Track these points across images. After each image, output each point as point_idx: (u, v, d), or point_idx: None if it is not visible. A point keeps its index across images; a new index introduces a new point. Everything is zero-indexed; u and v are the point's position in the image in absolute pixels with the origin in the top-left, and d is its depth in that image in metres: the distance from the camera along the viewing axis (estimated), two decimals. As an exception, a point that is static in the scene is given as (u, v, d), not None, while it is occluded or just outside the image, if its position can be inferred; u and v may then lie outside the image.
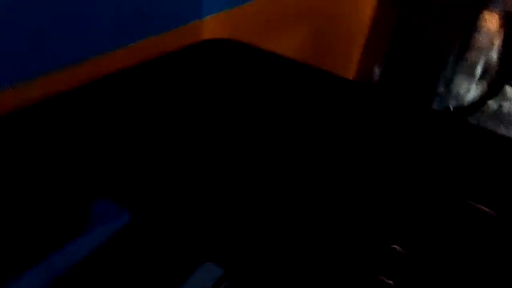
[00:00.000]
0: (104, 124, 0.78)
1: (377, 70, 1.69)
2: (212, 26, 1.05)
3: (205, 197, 0.66)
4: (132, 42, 0.92)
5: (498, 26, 1.62)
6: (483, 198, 0.67)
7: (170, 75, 0.93)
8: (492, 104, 1.76)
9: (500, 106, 1.77)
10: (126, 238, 0.61)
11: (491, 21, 1.62)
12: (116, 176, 0.69)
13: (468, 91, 1.72)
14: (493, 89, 1.73)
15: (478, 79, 1.71)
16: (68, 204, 0.65)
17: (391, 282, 0.53)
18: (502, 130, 1.72)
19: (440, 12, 1.56)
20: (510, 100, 1.78)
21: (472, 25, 1.60)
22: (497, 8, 1.61)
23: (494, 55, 1.69)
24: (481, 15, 1.60)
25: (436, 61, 1.62)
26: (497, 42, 1.65)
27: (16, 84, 0.76)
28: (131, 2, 0.90)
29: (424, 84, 1.65)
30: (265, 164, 0.72)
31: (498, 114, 1.76)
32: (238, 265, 0.57)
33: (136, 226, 0.62)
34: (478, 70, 1.70)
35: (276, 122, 0.82)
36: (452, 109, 1.70)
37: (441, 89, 1.66)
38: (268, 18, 1.22)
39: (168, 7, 0.97)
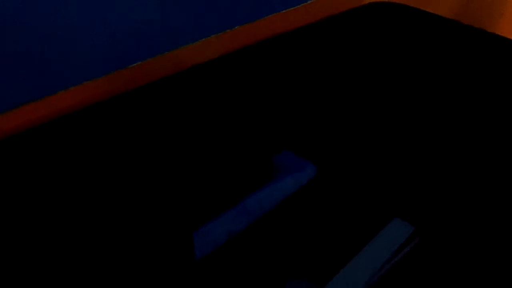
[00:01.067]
0: (279, 81, 0.81)
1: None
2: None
3: (389, 150, 0.67)
4: (295, 6, 0.95)
5: None
6: None
7: (335, 37, 0.94)
8: None
9: None
10: (313, 190, 0.64)
11: None
12: (297, 131, 0.72)
13: None
14: None
15: None
16: (257, 156, 0.68)
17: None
18: None
19: None
20: None
21: None
22: None
23: None
24: None
25: None
26: None
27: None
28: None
29: None
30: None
31: None
32: (429, 222, 0.58)
33: (322, 179, 0.65)
34: None
35: (436, 86, 0.81)
36: None
37: None
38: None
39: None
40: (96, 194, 0.58)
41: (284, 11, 0.94)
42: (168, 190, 0.61)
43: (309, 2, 0.97)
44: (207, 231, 0.57)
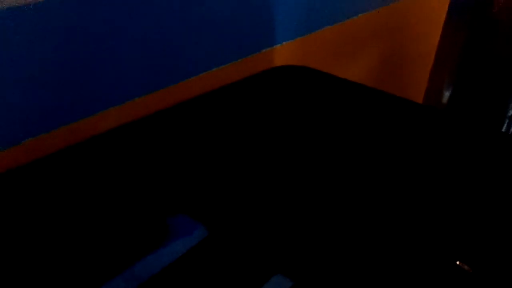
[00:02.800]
0: (179, 145, 0.84)
1: (446, 93, 1.69)
2: (283, 53, 1.10)
3: (277, 211, 0.70)
4: (210, 69, 0.99)
5: None
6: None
7: (246, 98, 0.98)
8: None
9: None
10: (202, 251, 0.65)
11: None
12: (192, 193, 0.74)
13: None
14: None
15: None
16: (148, 219, 0.70)
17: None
18: None
19: (509, 32, 1.55)
20: None
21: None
22: None
23: None
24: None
25: (506, 83, 1.61)
26: None
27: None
28: (213, 33, 0.96)
29: (494, 107, 1.64)
30: (335, 182, 0.75)
31: None
32: (307, 277, 0.60)
33: (211, 240, 0.66)
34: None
35: (345, 145, 0.85)
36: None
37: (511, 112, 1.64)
38: (337, 44, 1.26)
39: (244, 37, 1.03)
40: None
41: (198, 75, 0.98)
42: (56, 256, 0.62)
43: (221, 67, 1.02)
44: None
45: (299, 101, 0.99)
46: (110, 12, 0.80)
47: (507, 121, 1.66)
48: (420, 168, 0.79)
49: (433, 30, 1.61)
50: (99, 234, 0.67)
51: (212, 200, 0.73)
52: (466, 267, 0.60)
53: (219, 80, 1.00)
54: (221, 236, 0.67)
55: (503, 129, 1.66)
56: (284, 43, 1.10)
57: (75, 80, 0.79)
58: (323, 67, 1.08)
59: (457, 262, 0.60)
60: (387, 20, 1.39)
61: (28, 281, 0.60)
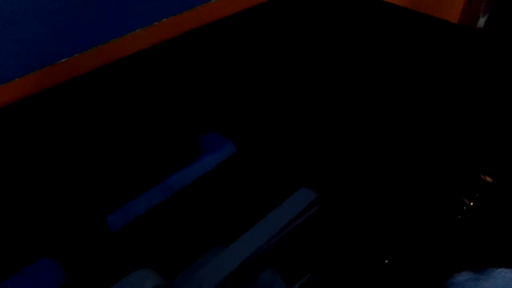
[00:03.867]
0: (209, 66, 0.85)
1: (482, 19, 1.65)
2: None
3: (302, 128, 0.72)
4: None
5: None
6: None
7: (266, 19, 0.99)
8: None
9: None
10: (231, 166, 0.68)
11: None
12: (222, 112, 0.76)
13: None
14: None
15: None
16: (182, 137, 0.73)
17: (471, 203, 0.57)
18: None
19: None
20: None
21: None
22: None
23: None
24: None
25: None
26: None
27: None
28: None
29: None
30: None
31: None
32: (332, 191, 0.62)
33: (240, 156, 0.69)
34: None
35: (379, 64, 0.86)
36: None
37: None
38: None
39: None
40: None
41: (204, 4, 0.98)
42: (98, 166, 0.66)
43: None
44: (128, 206, 0.62)
45: (324, 21, 0.99)
46: None
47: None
48: (455, 89, 0.80)
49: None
50: (137, 150, 0.70)
51: (241, 118, 0.75)
52: (488, 178, 0.61)
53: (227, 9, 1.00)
54: (249, 152, 0.69)
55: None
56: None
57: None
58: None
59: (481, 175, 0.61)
60: None
61: (74, 193, 0.64)
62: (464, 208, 0.57)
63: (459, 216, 0.57)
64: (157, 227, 0.60)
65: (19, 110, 0.75)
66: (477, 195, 0.59)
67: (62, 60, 0.79)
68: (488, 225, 0.57)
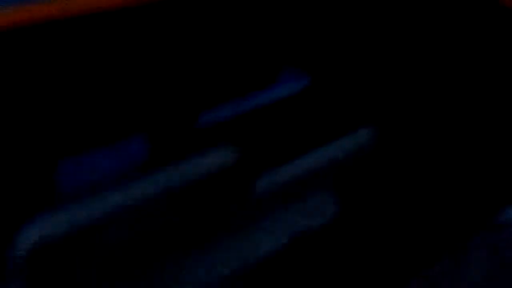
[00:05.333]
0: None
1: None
2: None
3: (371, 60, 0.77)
4: None
5: None
6: None
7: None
8: None
9: None
10: (304, 97, 0.76)
11: None
12: (297, 46, 0.82)
13: None
14: None
15: None
16: (259, 66, 0.80)
17: None
18: None
19: None
20: None
21: None
22: None
23: None
24: None
25: None
26: None
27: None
28: None
29: None
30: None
31: None
32: (393, 129, 0.69)
33: (312, 88, 0.77)
34: None
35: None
36: None
37: None
38: None
39: None
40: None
41: None
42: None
43: None
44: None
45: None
46: None
47: None
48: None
49: None
50: (228, 71, 0.77)
51: (314, 52, 0.81)
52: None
53: None
54: (321, 84, 0.77)
55: None
56: None
57: None
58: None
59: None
60: None
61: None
62: None
63: None
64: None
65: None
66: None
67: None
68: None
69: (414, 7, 0.85)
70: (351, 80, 0.79)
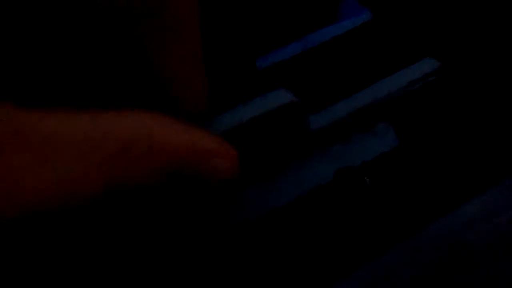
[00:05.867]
0: None
1: None
2: None
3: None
4: None
5: None
6: None
7: None
8: None
9: None
10: (366, 32, 0.76)
11: None
12: None
13: None
14: None
15: None
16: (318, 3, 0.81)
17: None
18: None
19: None
20: None
21: None
22: None
23: None
24: None
25: None
26: None
27: None
28: None
29: None
30: None
31: None
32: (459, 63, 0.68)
33: (374, 23, 0.77)
34: None
35: None
36: None
37: None
38: None
39: None
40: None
41: None
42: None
43: None
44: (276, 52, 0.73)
45: None
46: None
47: None
48: None
49: None
50: (285, 10, 0.79)
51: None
52: None
53: None
54: (383, 20, 0.77)
55: None
56: None
57: None
58: None
59: None
60: None
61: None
62: None
63: None
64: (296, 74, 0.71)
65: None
66: None
67: None
68: None
69: None
70: (414, 15, 0.78)
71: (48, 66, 0.38)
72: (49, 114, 0.31)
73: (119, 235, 0.44)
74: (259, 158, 0.54)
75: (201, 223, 0.48)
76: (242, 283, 0.50)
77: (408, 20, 0.76)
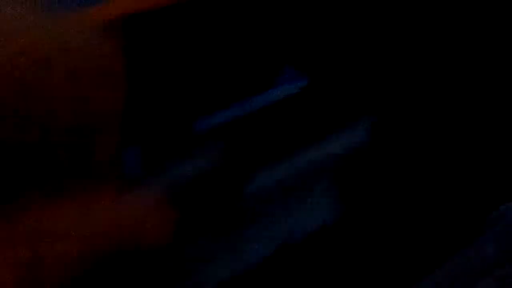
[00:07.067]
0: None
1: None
2: None
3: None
4: None
5: None
6: None
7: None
8: None
9: None
10: (303, 97, 0.77)
11: None
12: (297, 47, 0.84)
13: None
14: None
15: None
16: (258, 66, 0.81)
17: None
18: None
19: None
20: None
21: None
22: None
23: None
24: None
25: None
26: None
27: None
28: None
29: None
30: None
31: None
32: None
33: (311, 88, 0.78)
34: None
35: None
36: None
37: None
38: None
39: None
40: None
41: None
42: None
43: None
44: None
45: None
46: None
47: None
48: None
49: None
50: (229, 76, 0.78)
51: (312, 54, 0.82)
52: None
53: None
54: (319, 85, 0.78)
55: None
56: None
57: None
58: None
59: None
60: None
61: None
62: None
63: None
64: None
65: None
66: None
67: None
68: None
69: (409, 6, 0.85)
70: (348, 79, 0.79)
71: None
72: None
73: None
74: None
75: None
76: None
77: (343, 84, 0.78)
